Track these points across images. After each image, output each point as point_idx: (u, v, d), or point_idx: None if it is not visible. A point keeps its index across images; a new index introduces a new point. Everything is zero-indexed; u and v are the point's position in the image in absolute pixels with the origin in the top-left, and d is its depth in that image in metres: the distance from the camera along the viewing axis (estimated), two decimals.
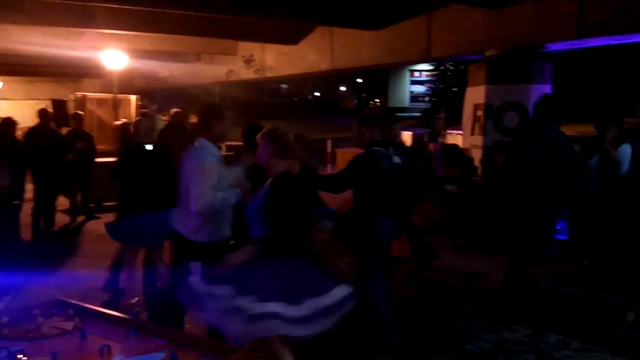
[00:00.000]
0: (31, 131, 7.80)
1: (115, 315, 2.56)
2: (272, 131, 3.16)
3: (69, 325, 2.45)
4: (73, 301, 2.62)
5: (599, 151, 4.70)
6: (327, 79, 46.65)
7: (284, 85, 49.56)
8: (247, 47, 14.37)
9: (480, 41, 9.45)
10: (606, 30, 7.97)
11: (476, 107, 9.80)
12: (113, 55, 13.01)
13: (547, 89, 9.52)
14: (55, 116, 8.65)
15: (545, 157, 4.76)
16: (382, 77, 48.13)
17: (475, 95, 9.90)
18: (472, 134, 9.92)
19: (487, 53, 9.60)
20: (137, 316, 2.66)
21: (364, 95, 58.00)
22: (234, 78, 15.70)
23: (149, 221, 4.42)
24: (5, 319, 2.49)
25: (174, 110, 9.42)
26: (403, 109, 48.16)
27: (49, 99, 20.27)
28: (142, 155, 4.85)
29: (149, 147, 4.87)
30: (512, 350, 4.18)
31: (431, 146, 10.50)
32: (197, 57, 15.51)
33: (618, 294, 4.89)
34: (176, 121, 8.84)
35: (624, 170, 4.56)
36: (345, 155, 13.20)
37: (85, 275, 5.35)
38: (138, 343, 2.27)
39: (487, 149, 8.92)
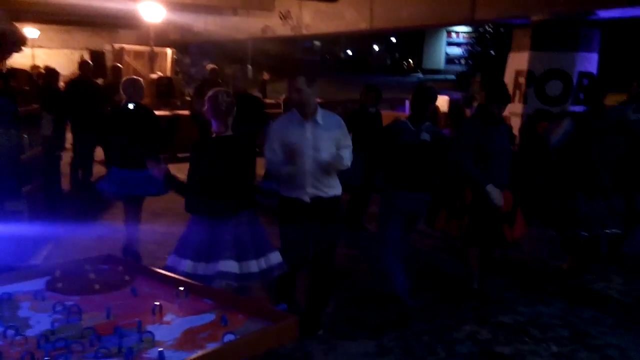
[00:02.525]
0: (72, 83, 7.89)
1: (165, 274, 2.61)
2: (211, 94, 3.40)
3: (120, 282, 2.51)
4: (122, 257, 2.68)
5: None
6: (361, 38, 45.86)
7: (317, 43, 48.87)
8: (284, 3, 14.15)
9: (527, 5, 9.12)
10: None
11: (518, 73, 9.56)
12: (151, 7, 12.95)
13: (594, 57, 9.22)
14: (93, 68, 8.70)
15: None
16: (417, 37, 47.12)
17: (518, 61, 9.65)
18: (512, 101, 9.68)
19: (534, 18, 9.28)
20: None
21: (397, 55, 56.97)
22: (269, 34, 15.53)
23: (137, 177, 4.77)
24: (58, 272, 2.56)
25: (210, 66, 9.42)
26: (438, 71, 47.28)
27: (85, 49, 20.46)
28: (125, 115, 4.96)
29: (131, 106, 4.97)
30: (547, 324, 4.17)
31: (467, 112, 10.31)
32: (234, 12, 15.34)
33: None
34: (212, 77, 8.86)
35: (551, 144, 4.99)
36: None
37: (120, 227, 5.46)
38: (187, 303, 2.31)
39: (528, 118, 8.72)
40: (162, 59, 15.31)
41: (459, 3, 10.15)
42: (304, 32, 14.39)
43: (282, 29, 14.74)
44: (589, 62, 9.17)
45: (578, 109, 8.61)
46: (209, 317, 2.20)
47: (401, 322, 4.14)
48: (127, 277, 2.57)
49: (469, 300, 4.55)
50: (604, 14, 8.89)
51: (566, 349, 3.81)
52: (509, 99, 4.46)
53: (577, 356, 3.73)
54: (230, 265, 3.27)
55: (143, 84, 5.18)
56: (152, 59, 14.39)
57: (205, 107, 3.42)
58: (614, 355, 3.75)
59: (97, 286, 2.47)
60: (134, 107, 4.97)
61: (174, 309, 2.25)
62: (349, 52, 56.37)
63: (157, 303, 2.24)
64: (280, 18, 14.40)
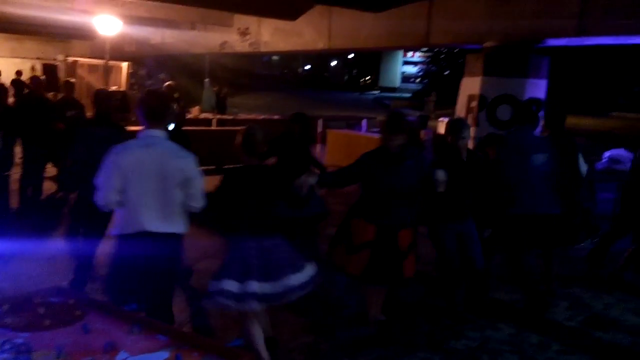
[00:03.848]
0: (22, 99, 7.67)
1: (118, 309, 2.57)
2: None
3: (71, 317, 2.46)
4: (73, 291, 2.62)
5: None
6: (319, 53, 46.32)
7: (275, 57, 49.03)
8: (243, 20, 14.19)
9: (480, 31, 9.45)
10: (608, 30, 8.00)
11: (471, 97, 9.85)
12: (106, 20, 12.76)
13: (542, 83, 9.58)
14: (46, 81, 8.48)
15: None
16: (374, 55, 47.89)
17: (470, 85, 9.94)
18: None
19: (486, 44, 9.61)
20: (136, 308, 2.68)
21: (355, 71, 57.72)
22: (227, 50, 15.52)
23: None
24: (7, 306, 2.49)
25: (167, 83, 9.32)
26: (394, 89, 48.14)
27: (37, 58, 19.90)
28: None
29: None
30: (496, 350, 4.28)
31: (422, 133, 10.53)
32: (192, 26, 15.27)
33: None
34: (170, 93, 8.77)
35: None
36: (336, 137, 13.19)
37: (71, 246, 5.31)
38: (141, 340, 2.29)
39: (479, 141, 8.98)
40: (117, 73, 15.08)
41: (414, 28, 10.42)
42: (263, 49, 14.46)
43: (240, 45, 14.76)
44: (538, 88, 9.52)
45: None
46: (163, 355, 2.18)
47: (355, 348, 4.18)
48: (78, 312, 2.52)
49: (423, 325, 4.63)
50: (553, 42, 9.28)
51: None
52: (400, 129, 4.06)
53: None
54: (298, 278, 3.50)
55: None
56: (107, 73, 14.14)
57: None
58: None
59: (47, 322, 2.41)
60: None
61: (127, 347, 2.22)
62: (308, 68, 56.78)
63: (110, 340, 2.21)
64: (239, 34, 14.43)
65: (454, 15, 9.81)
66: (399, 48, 29.80)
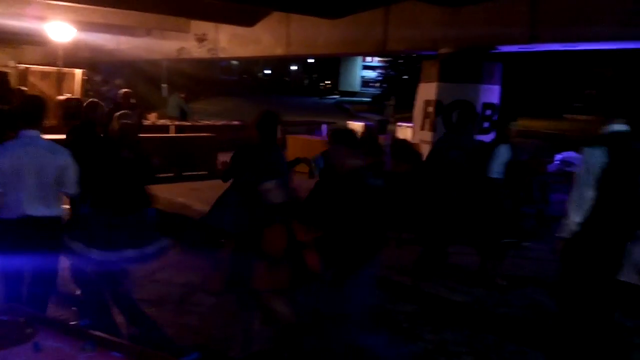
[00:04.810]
0: None
1: (70, 326, 2.51)
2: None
3: (21, 335, 2.40)
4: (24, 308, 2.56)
5: None
6: (279, 58, 46.26)
7: (234, 62, 48.77)
8: (200, 26, 14.08)
9: (435, 38, 9.63)
10: (557, 37, 8.28)
11: (427, 103, 10.02)
12: (59, 26, 12.46)
13: (496, 89, 9.82)
14: None
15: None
16: (334, 59, 48.17)
17: (427, 91, 10.10)
18: (422, 129, 10.14)
19: (441, 51, 9.80)
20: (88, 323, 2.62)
21: (315, 75, 57.88)
22: (185, 56, 15.37)
23: None
24: None
25: (123, 90, 9.16)
26: (354, 93, 48.50)
27: None
28: None
29: None
30: (454, 352, 4.37)
31: (381, 138, 10.65)
32: (147, 32, 15.06)
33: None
34: (125, 101, 8.64)
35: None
36: (296, 142, 13.19)
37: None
38: (94, 357, 2.25)
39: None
40: (71, 80, 14.71)
41: (371, 35, 10.55)
42: (221, 55, 14.38)
43: (198, 51, 14.64)
44: (492, 93, 9.76)
45: (482, 137, 9.15)
46: None
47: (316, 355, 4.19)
48: (29, 330, 2.46)
49: (379, 330, 4.68)
50: (505, 48, 9.54)
51: None
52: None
53: None
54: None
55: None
56: (60, 80, 13.79)
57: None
58: None
59: None
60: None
61: None
62: (268, 72, 56.66)
63: (61, 359, 2.17)
64: (197, 40, 14.32)
65: (409, 22, 9.97)
66: (356, 54, 30.00)
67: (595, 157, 3.67)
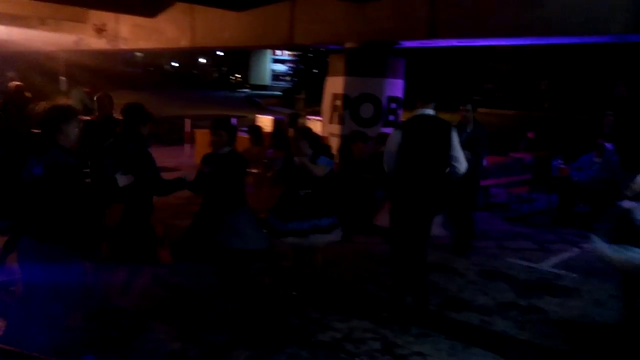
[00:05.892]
0: None
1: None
2: None
3: None
4: None
5: None
6: (184, 51, 45.07)
7: (139, 54, 47.01)
8: (99, 16, 13.43)
9: (341, 33, 9.75)
10: (455, 32, 8.64)
11: (335, 96, 10.14)
12: None
13: (400, 83, 10.12)
14: None
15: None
16: (244, 52, 47.66)
17: (334, 84, 10.23)
18: (331, 122, 10.26)
19: (347, 45, 9.94)
20: None
21: (224, 68, 57.01)
22: (83, 47, 14.61)
23: None
24: None
25: (14, 83, 8.59)
26: (265, 87, 48.26)
27: None
28: None
29: None
30: (360, 339, 4.48)
31: (291, 132, 10.67)
32: (42, 22, 14.17)
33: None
34: (17, 95, 8.12)
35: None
36: (205, 136, 12.93)
37: None
38: None
39: (344, 138, 9.30)
40: None
41: (277, 28, 10.51)
42: (122, 46, 13.80)
43: (97, 42, 13.97)
44: (396, 87, 10.04)
45: (388, 130, 9.40)
46: None
47: (227, 350, 4.16)
48: None
49: (290, 320, 4.71)
50: (407, 44, 9.83)
51: None
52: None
53: None
54: None
55: None
56: None
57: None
58: None
59: None
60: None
61: None
62: (175, 65, 55.12)
63: None
64: (95, 31, 13.65)
65: (315, 16, 10.03)
66: (263, 47, 29.83)
67: (393, 138, 4.65)
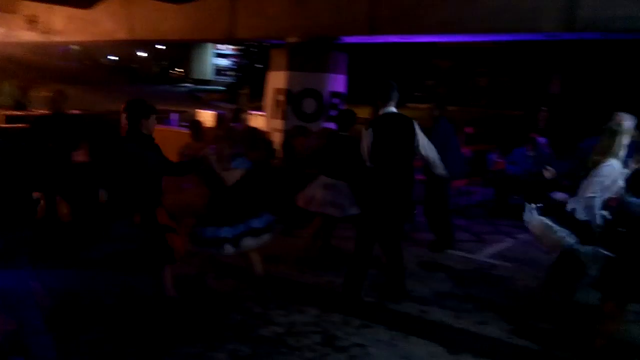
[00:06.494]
0: None
1: None
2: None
3: None
4: None
5: None
6: (123, 44, 43.73)
7: (75, 47, 45.31)
8: (30, 6, 12.86)
9: (282, 27, 9.72)
10: (394, 29, 8.77)
11: (277, 91, 10.11)
12: None
13: (342, 78, 10.19)
14: None
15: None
16: (185, 46, 46.72)
17: (276, 79, 10.19)
18: (274, 117, 10.22)
19: (289, 40, 9.92)
20: None
21: (165, 63, 55.73)
22: (12, 39, 13.96)
23: None
24: None
25: None
26: (207, 82, 47.49)
27: None
28: None
29: None
30: (301, 332, 4.49)
31: (233, 127, 10.55)
32: None
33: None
34: None
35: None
36: None
37: None
38: None
39: (286, 133, 9.29)
40: None
41: (218, 21, 10.38)
42: (56, 38, 13.29)
43: (28, 35, 13.38)
44: (338, 83, 10.11)
45: (331, 125, 9.46)
46: None
47: (163, 348, 4.09)
48: None
49: (231, 316, 4.68)
50: (348, 39, 9.91)
51: (318, 354, 4.16)
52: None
53: (327, 359, 4.10)
54: None
55: None
56: None
57: None
58: (357, 353, 4.21)
59: None
60: None
61: None
62: (113, 58, 53.47)
63: None
64: (27, 22, 13.06)
65: (257, 10, 9.95)
66: (204, 41, 29.42)
67: (366, 136, 4.98)
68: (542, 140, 9.39)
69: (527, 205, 4.79)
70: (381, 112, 5.07)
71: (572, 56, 20.29)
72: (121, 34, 11.92)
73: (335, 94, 10.05)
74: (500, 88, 37.75)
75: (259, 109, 13.53)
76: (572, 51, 19.28)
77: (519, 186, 8.96)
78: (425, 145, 5.08)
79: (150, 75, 49.57)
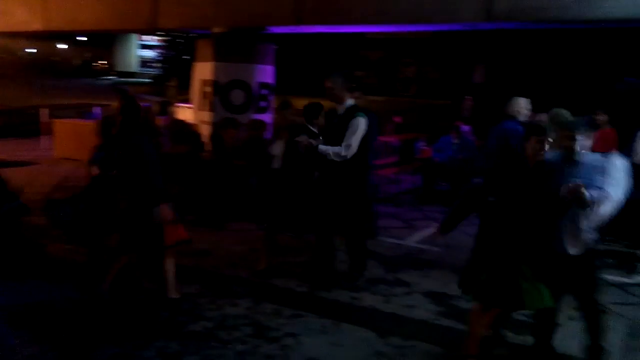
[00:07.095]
0: None
1: None
2: None
3: None
4: None
5: None
6: (40, 35, 41.60)
7: None
8: None
9: (208, 17, 9.51)
10: (319, 19, 8.78)
11: (204, 83, 9.92)
12: None
13: (270, 69, 10.12)
14: None
15: None
16: (108, 37, 45.05)
17: (203, 70, 10.00)
18: (201, 109, 10.04)
19: (215, 30, 9.75)
20: None
21: (87, 55, 53.55)
22: None
23: None
24: None
25: None
26: (132, 74, 46.01)
27: None
28: None
29: None
30: (232, 325, 4.45)
31: (160, 120, 10.28)
32: None
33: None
34: None
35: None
36: (65, 127, 12.11)
37: None
38: None
39: (215, 126, 9.15)
40: None
41: (140, 10, 10.03)
42: None
43: None
44: (266, 74, 10.03)
45: (260, 116, 9.39)
46: None
47: (88, 350, 3.94)
48: None
49: (159, 313, 4.57)
50: (274, 30, 9.84)
51: (250, 346, 4.14)
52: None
53: (259, 351, 4.09)
54: None
55: None
56: None
57: None
58: (289, 343, 4.21)
59: None
60: None
61: None
62: (32, 51, 50.81)
63: None
64: None
65: None
66: (125, 31, 28.36)
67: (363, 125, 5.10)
68: (465, 128, 9.71)
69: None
70: (349, 102, 5.21)
71: (494, 46, 21.03)
72: (37, 25, 11.31)
73: (264, 85, 9.98)
74: (428, 78, 38.70)
75: (187, 101, 13.25)
76: (495, 41, 20.00)
77: (444, 173, 9.24)
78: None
79: (72, 68, 47.52)
